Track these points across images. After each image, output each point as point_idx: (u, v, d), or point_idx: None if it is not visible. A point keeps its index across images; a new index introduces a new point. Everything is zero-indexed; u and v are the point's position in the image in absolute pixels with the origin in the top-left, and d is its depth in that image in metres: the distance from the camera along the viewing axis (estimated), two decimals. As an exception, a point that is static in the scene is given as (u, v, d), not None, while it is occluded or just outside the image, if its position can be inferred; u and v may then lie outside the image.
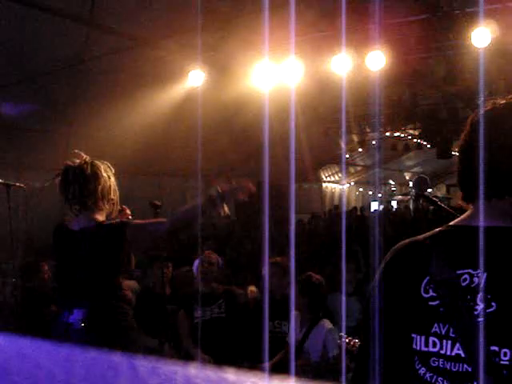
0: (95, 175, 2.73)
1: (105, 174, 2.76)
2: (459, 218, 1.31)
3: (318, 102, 9.62)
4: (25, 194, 5.08)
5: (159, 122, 8.16)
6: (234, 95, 7.67)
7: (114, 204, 2.84)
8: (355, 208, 17.08)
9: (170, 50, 6.80)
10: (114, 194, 2.82)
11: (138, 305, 4.57)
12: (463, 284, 1.18)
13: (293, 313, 4.12)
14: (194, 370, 0.40)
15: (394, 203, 23.10)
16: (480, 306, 1.14)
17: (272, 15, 2.35)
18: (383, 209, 18.83)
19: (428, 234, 1.30)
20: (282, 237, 7.76)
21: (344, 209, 19.76)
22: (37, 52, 6.26)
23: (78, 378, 0.41)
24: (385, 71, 6.52)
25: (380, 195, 23.10)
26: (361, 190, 22.71)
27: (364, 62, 6.58)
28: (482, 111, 1.27)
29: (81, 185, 2.70)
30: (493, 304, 1.13)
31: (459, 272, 1.19)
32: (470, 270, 1.18)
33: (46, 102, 7.46)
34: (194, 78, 7.28)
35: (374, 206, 19.75)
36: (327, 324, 4.00)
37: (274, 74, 6.94)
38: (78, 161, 2.78)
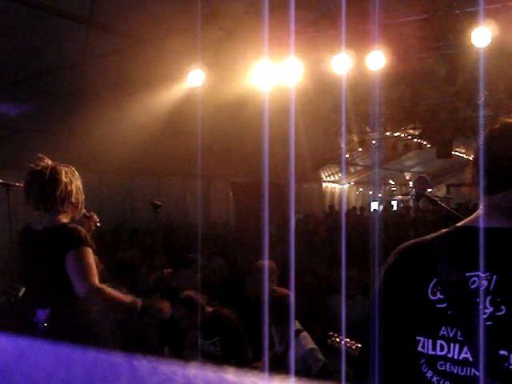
0: (54, 180, 2.78)
1: (65, 179, 2.81)
2: (467, 219, 1.30)
3: (318, 102, 9.61)
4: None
5: (159, 121, 8.16)
6: (234, 95, 7.67)
7: (76, 208, 2.89)
8: (354, 208, 17.09)
9: (170, 50, 6.80)
10: (77, 199, 2.87)
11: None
12: (472, 287, 1.16)
13: (292, 313, 4.09)
14: (193, 369, 0.40)
15: (394, 203, 23.10)
16: (489, 310, 1.12)
17: (272, 15, 2.34)
18: (383, 209, 18.83)
19: (435, 234, 1.29)
20: (281, 236, 7.75)
21: (344, 209, 19.76)
22: (37, 52, 6.26)
23: (78, 378, 0.41)
24: (385, 71, 6.52)
25: (380, 195, 23.10)
26: (361, 189, 22.70)
27: (364, 62, 6.57)
28: (499, 123, 1.30)
29: (39, 188, 2.78)
30: (502, 308, 1.11)
31: (468, 274, 1.17)
32: (479, 273, 1.16)
33: (46, 101, 7.45)
34: (194, 78, 7.28)
35: (374, 205, 19.74)
36: (308, 342, 3.84)
37: (274, 74, 6.94)
38: (41, 165, 2.85)
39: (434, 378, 1.18)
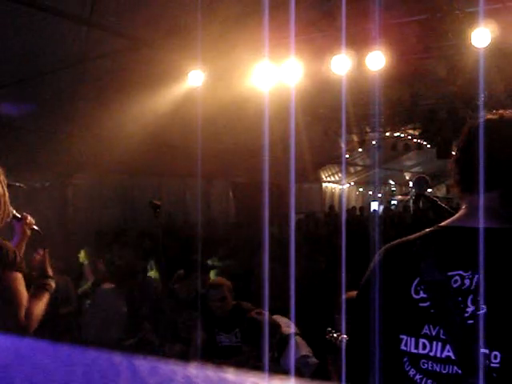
0: None
1: None
2: (450, 219, 1.32)
3: (318, 102, 9.62)
4: (25, 193, 5.08)
5: (159, 121, 8.16)
6: (234, 95, 7.67)
7: None
8: (354, 208, 17.09)
9: (169, 50, 6.80)
10: (0, 198, 2.27)
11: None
12: (454, 286, 1.18)
13: (293, 313, 4.10)
14: (193, 369, 0.40)
15: (393, 203, 23.10)
16: (471, 308, 1.14)
17: (272, 15, 2.34)
18: (383, 209, 18.83)
19: (419, 234, 1.31)
20: (281, 236, 7.76)
21: (344, 209, 19.75)
22: (37, 52, 6.26)
23: (78, 378, 0.41)
24: (385, 71, 6.52)
25: (380, 195, 23.10)
26: (361, 189, 22.71)
27: (364, 62, 6.57)
28: (481, 119, 1.30)
29: None
30: (483, 306, 1.13)
31: (450, 273, 1.19)
32: (461, 272, 1.18)
33: (45, 101, 7.46)
34: (194, 78, 7.28)
35: (374, 206, 19.74)
36: (301, 348, 3.83)
37: (274, 74, 6.94)
38: None
39: (417, 376, 1.19)
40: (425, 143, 14.59)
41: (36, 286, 2.36)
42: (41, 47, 6.17)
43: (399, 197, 24.00)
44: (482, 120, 1.30)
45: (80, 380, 0.40)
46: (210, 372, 0.40)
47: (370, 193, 22.58)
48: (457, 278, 1.18)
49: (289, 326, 3.95)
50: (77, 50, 6.45)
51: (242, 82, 7.30)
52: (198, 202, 11.87)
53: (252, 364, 3.84)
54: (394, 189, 25.37)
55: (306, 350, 3.84)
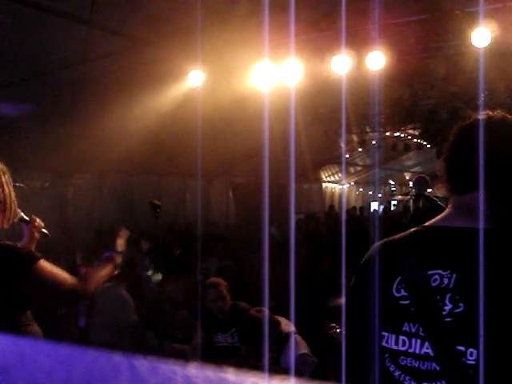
0: None
1: None
2: (436, 219, 1.34)
3: (318, 102, 9.62)
4: (25, 194, 5.08)
5: (159, 121, 8.17)
6: (234, 95, 7.67)
7: (3, 210, 2.12)
8: (354, 208, 17.08)
9: (170, 50, 6.80)
10: (1, 197, 2.11)
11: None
12: (433, 284, 1.20)
13: (293, 314, 4.09)
14: (193, 370, 0.40)
15: (393, 203, 23.10)
16: (448, 307, 1.17)
17: (272, 15, 2.34)
18: (383, 209, 18.83)
19: (404, 233, 1.34)
20: (281, 236, 7.77)
21: (344, 209, 19.75)
22: (37, 52, 6.26)
23: (78, 378, 0.41)
24: (385, 71, 6.51)
25: (380, 195, 23.10)
26: (361, 190, 22.71)
27: (364, 62, 6.57)
28: (470, 120, 1.33)
29: None
30: (460, 305, 1.15)
31: (430, 272, 1.21)
32: (440, 271, 1.20)
33: (46, 101, 7.46)
34: (194, 78, 7.28)
35: (374, 206, 19.74)
36: (300, 347, 3.83)
37: (274, 74, 6.94)
38: None
39: (396, 372, 1.22)
40: (425, 143, 14.58)
41: (102, 258, 2.50)
42: (41, 47, 6.17)
43: (399, 197, 24.00)
44: (471, 121, 1.33)
45: (80, 380, 0.41)
46: (210, 372, 0.40)
47: (370, 193, 22.58)
48: (436, 276, 1.20)
49: (288, 325, 3.96)
50: (77, 50, 6.45)
51: (242, 82, 7.30)
52: (198, 201, 11.87)
53: (251, 364, 3.85)
54: (394, 189, 25.38)
55: (305, 349, 3.85)
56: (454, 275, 1.18)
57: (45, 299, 2.21)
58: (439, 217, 1.33)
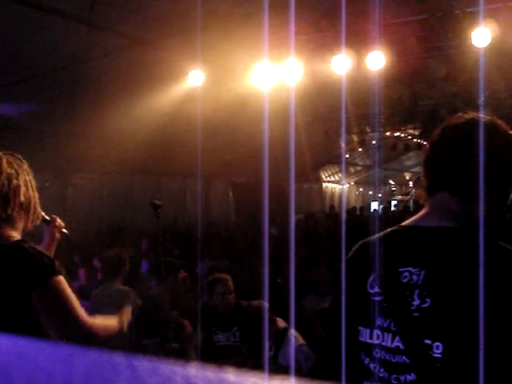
0: None
1: (9, 170, 1.95)
2: (412, 218, 1.40)
3: (318, 102, 9.62)
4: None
5: (159, 121, 8.17)
6: (234, 95, 7.67)
7: (28, 211, 2.02)
8: (354, 208, 17.08)
9: (170, 50, 6.80)
10: (28, 197, 2.00)
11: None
12: (403, 281, 1.26)
13: (292, 314, 4.10)
14: (193, 370, 0.40)
15: (394, 203, 23.09)
16: (416, 302, 1.23)
17: (272, 15, 2.35)
18: (383, 209, 18.83)
19: (381, 233, 1.40)
20: (281, 236, 7.76)
21: (344, 209, 19.75)
22: (37, 52, 6.26)
23: (78, 378, 0.41)
24: (385, 71, 6.52)
25: (380, 195, 23.10)
26: (361, 190, 22.70)
27: (364, 62, 6.58)
28: (452, 122, 1.38)
29: None
30: (427, 300, 1.21)
31: (401, 269, 1.28)
32: (410, 268, 1.26)
33: (46, 101, 7.46)
34: (194, 78, 7.28)
35: (374, 206, 19.73)
36: (298, 339, 3.89)
37: (274, 74, 6.94)
38: None
39: (371, 365, 1.29)
40: (425, 143, 14.56)
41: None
42: (41, 47, 6.17)
43: (399, 197, 23.98)
44: (446, 124, 1.38)
45: (80, 380, 0.41)
46: (210, 372, 0.40)
47: (370, 193, 22.58)
48: (406, 273, 1.26)
49: (281, 322, 4.03)
50: (77, 50, 6.45)
51: (242, 82, 7.30)
52: (198, 201, 11.87)
53: (251, 364, 3.86)
54: (394, 189, 25.37)
55: (303, 341, 3.91)
56: (423, 272, 1.23)
57: (49, 323, 1.88)
58: (416, 216, 1.38)
